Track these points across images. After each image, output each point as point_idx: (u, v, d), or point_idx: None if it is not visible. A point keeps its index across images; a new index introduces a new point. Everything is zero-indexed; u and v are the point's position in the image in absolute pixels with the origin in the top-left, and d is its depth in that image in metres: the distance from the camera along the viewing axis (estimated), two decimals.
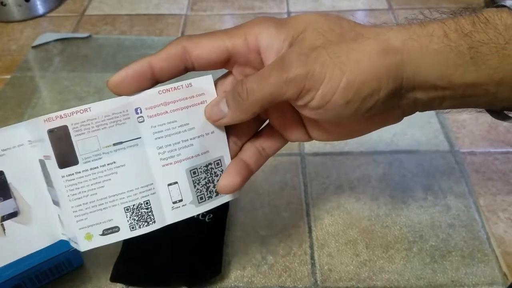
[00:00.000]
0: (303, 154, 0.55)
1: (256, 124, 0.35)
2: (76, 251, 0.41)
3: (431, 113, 0.59)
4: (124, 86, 0.31)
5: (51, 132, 0.30)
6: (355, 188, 0.50)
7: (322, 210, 0.48)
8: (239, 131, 0.34)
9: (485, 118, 0.58)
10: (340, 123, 0.32)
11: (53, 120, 0.30)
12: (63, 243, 0.35)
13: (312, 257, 0.44)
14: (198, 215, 0.45)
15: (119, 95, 0.31)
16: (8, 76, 0.68)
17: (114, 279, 0.42)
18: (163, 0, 0.86)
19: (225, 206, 0.47)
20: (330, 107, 0.29)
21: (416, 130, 0.57)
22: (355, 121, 0.31)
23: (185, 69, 0.31)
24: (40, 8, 0.82)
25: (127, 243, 0.44)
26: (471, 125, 0.58)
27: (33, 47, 0.74)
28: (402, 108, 0.31)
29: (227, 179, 0.33)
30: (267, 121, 0.36)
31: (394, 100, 0.30)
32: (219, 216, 0.46)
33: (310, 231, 0.46)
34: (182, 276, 0.41)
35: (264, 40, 0.30)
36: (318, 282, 0.42)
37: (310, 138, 0.35)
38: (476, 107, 0.32)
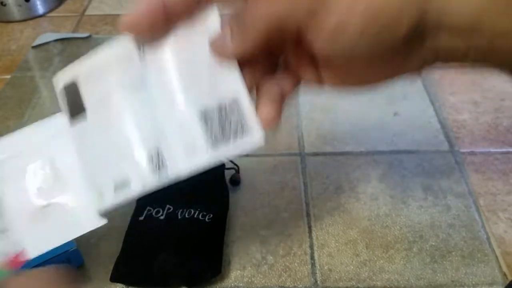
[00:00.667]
0: (303, 154, 0.55)
1: (270, 64, 0.32)
2: (76, 251, 0.41)
3: (431, 113, 0.59)
4: (138, 25, 0.29)
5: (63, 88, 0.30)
6: (355, 188, 0.51)
7: (322, 210, 0.48)
8: (254, 70, 0.31)
9: (485, 118, 0.58)
10: (353, 65, 0.29)
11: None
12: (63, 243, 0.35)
13: (312, 257, 0.44)
14: (198, 215, 0.45)
15: (132, 34, 0.29)
16: (8, 76, 0.68)
17: (114, 279, 0.42)
18: None
19: (225, 206, 0.47)
20: (345, 35, 0.26)
21: (416, 130, 0.57)
22: (369, 63, 0.28)
23: (198, 1, 0.29)
24: (40, 8, 0.82)
25: (127, 242, 0.44)
26: (471, 125, 0.58)
27: (33, 47, 0.74)
28: (423, 56, 0.28)
29: (266, 109, 0.30)
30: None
31: (415, 42, 0.27)
32: (219, 216, 0.46)
33: (310, 231, 0.46)
34: (182, 276, 0.41)
35: None
36: (318, 282, 0.42)
37: (321, 80, 0.32)
38: (501, 66, 0.28)
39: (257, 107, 0.30)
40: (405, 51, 0.27)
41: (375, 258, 0.44)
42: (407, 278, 0.42)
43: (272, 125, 0.30)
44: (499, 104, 0.60)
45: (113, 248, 0.44)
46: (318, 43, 0.28)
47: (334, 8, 0.25)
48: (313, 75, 0.32)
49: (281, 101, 0.31)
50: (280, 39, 0.29)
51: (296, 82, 0.33)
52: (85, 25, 0.80)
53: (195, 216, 0.45)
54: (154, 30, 0.29)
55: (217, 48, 0.29)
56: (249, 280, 0.42)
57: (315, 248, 0.45)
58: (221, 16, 0.29)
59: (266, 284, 0.42)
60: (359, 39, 0.26)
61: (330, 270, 0.43)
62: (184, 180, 0.30)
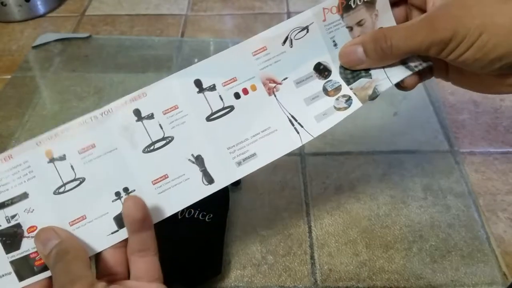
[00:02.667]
0: (303, 154, 0.55)
1: None
2: None
3: (431, 113, 0.59)
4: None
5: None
6: (355, 188, 0.51)
7: (322, 210, 0.48)
8: None
9: (485, 118, 0.59)
10: (473, 74, 0.34)
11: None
12: None
13: (312, 257, 0.44)
14: (198, 215, 0.45)
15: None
16: (9, 76, 0.68)
17: None
18: (163, 0, 0.86)
19: (225, 206, 0.47)
20: (461, 60, 0.32)
21: (416, 130, 0.57)
22: (490, 75, 0.33)
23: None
24: (41, 8, 0.82)
25: None
26: (471, 125, 0.58)
27: (34, 47, 0.74)
28: None
29: (411, 78, 0.35)
30: None
31: None
32: (219, 216, 0.46)
33: (310, 231, 0.46)
34: (182, 276, 0.42)
35: None
36: (318, 282, 0.42)
37: (449, 79, 0.37)
38: None
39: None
40: None
41: (375, 258, 0.44)
42: (407, 278, 0.42)
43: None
44: (498, 104, 0.60)
45: None
46: (450, 61, 0.33)
47: (459, 44, 0.31)
48: (442, 73, 0.37)
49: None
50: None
51: (428, 74, 0.38)
52: (85, 25, 0.80)
53: (195, 216, 0.45)
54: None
55: (350, 62, 0.35)
56: (249, 280, 0.42)
57: (315, 248, 0.45)
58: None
59: (266, 284, 0.42)
60: (472, 64, 0.31)
61: (330, 270, 0.43)
62: None
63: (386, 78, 0.36)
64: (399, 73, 0.36)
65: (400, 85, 0.36)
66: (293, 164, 0.53)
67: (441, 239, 0.45)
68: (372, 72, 0.36)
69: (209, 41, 0.75)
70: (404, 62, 0.36)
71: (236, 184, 0.50)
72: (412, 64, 0.36)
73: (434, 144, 0.55)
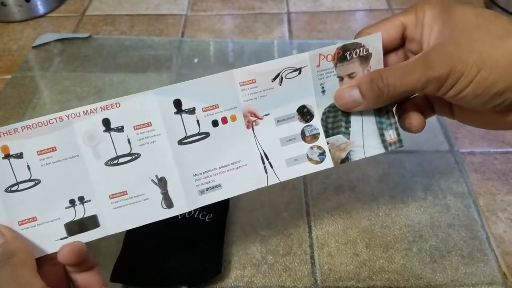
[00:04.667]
0: None
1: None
2: None
3: None
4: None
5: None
6: (355, 188, 0.51)
7: (322, 210, 0.48)
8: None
9: None
10: (479, 111, 0.34)
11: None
12: None
13: (312, 257, 0.44)
14: (198, 215, 0.45)
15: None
16: (9, 76, 0.68)
17: (114, 279, 0.42)
18: (163, 0, 0.86)
19: (225, 206, 0.47)
20: (461, 97, 0.31)
21: None
22: (491, 112, 0.33)
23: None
24: (41, 8, 0.82)
25: (127, 243, 0.44)
26: None
27: (34, 47, 0.74)
28: None
29: (417, 119, 0.36)
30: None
31: None
32: (219, 216, 0.46)
33: (310, 231, 0.46)
34: (182, 276, 0.42)
35: (428, 18, 0.33)
36: (318, 281, 0.42)
37: (453, 116, 0.38)
38: None
39: (404, 118, 0.36)
40: None
41: (375, 258, 0.44)
42: (406, 277, 0.42)
43: (419, 130, 0.37)
44: None
45: (113, 248, 0.44)
46: (446, 99, 0.33)
47: (457, 81, 0.30)
48: (446, 111, 0.37)
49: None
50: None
51: (431, 113, 0.38)
52: (86, 25, 0.80)
53: (195, 216, 0.45)
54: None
55: (347, 104, 0.35)
56: (249, 280, 0.42)
57: (315, 248, 0.45)
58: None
59: (266, 284, 0.42)
60: (472, 101, 0.31)
61: (330, 269, 0.43)
62: None
63: (362, 147, 0.36)
64: (374, 147, 0.37)
65: (407, 128, 0.37)
66: None
67: (441, 239, 0.45)
68: (351, 131, 0.36)
69: (209, 41, 0.75)
70: (382, 137, 0.37)
71: None
72: (387, 141, 0.37)
73: (434, 144, 0.55)
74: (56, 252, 0.31)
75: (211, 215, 0.46)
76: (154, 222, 0.46)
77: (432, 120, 0.58)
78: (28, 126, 0.31)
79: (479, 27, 0.31)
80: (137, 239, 0.44)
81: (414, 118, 0.36)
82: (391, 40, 0.35)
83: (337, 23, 0.79)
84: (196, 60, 0.71)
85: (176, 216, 0.45)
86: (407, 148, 0.55)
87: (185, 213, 0.45)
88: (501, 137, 0.56)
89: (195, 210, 0.46)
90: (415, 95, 0.38)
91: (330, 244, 0.45)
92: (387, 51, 0.36)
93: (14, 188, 0.31)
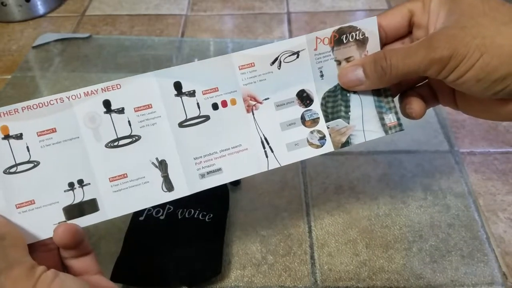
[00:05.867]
0: None
1: (417, 78, 0.38)
2: None
3: (431, 113, 0.59)
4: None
5: None
6: (355, 188, 0.51)
7: (322, 210, 0.48)
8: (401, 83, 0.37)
9: None
10: (480, 100, 0.34)
11: None
12: None
13: (312, 257, 0.44)
14: (198, 215, 0.45)
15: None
16: (9, 76, 0.68)
17: (114, 279, 0.42)
18: (163, 0, 0.86)
19: (225, 206, 0.47)
20: (462, 82, 0.31)
21: (416, 130, 0.57)
22: (493, 100, 0.33)
23: (380, 39, 0.35)
24: (41, 9, 0.82)
25: (127, 242, 0.44)
26: (471, 125, 0.58)
27: (34, 47, 0.74)
28: None
29: (418, 105, 0.37)
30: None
31: None
32: (219, 216, 0.46)
33: (310, 231, 0.46)
34: (182, 276, 0.42)
35: (434, 4, 0.34)
36: (318, 281, 0.42)
37: (457, 107, 0.38)
38: None
39: (405, 104, 0.37)
40: None
41: (375, 258, 0.44)
42: (406, 277, 0.42)
43: (420, 116, 0.37)
44: None
45: (113, 248, 0.44)
46: (448, 84, 0.33)
47: (459, 64, 0.31)
48: (450, 101, 0.38)
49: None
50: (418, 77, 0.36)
51: (435, 102, 0.38)
52: (86, 25, 0.80)
53: (195, 216, 0.45)
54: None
55: (349, 82, 0.35)
56: (249, 280, 0.42)
57: (315, 248, 0.45)
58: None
59: (266, 284, 0.42)
60: (474, 86, 0.31)
61: (330, 269, 0.43)
62: None
63: (362, 131, 0.36)
64: (374, 131, 0.37)
65: (408, 114, 0.37)
66: (293, 164, 0.53)
67: (441, 239, 0.45)
68: (351, 115, 0.36)
69: (209, 41, 0.75)
70: (382, 121, 0.37)
71: (236, 184, 0.50)
72: (387, 124, 0.37)
73: (434, 144, 0.55)
74: (50, 238, 0.31)
75: (211, 215, 0.46)
76: (154, 222, 0.46)
77: (432, 120, 0.58)
78: (29, 107, 0.31)
79: (485, 13, 0.31)
80: (137, 239, 0.44)
81: (415, 104, 0.37)
82: (399, 27, 0.36)
83: (337, 23, 0.79)
84: (196, 60, 0.71)
85: (176, 216, 0.46)
86: (407, 148, 0.55)
87: (185, 213, 0.46)
88: (501, 137, 0.56)
89: (195, 210, 0.46)
90: (419, 84, 0.38)
91: (330, 244, 0.45)
92: (394, 39, 0.36)
93: (12, 170, 0.31)
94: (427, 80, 0.38)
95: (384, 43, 0.36)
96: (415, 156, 0.54)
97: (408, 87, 0.38)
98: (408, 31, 0.36)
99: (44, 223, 0.32)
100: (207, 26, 0.79)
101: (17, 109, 0.31)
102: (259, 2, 0.85)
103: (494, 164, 0.53)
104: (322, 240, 0.46)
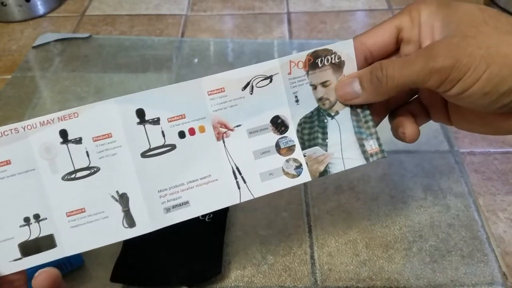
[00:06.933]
0: None
1: (403, 97, 0.36)
2: None
3: None
4: None
5: None
6: (355, 188, 0.51)
7: (322, 210, 0.48)
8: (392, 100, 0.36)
9: None
10: (480, 114, 0.32)
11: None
12: None
13: (312, 257, 0.44)
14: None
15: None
16: (9, 76, 0.68)
17: (114, 279, 0.42)
18: (163, 0, 0.86)
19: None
20: (467, 95, 0.29)
21: None
22: (495, 115, 0.31)
23: (365, 59, 0.34)
24: (41, 9, 0.82)
25: (127, 243, 0.44)
26: None
27: (34, 47, 0.74)
28: None
29: (411, 128, 0.35)
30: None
31: None
32: (219, 216, 0.46)
33: (310, 231, 0.46)
34: (182, 276, 0.42)
35: (424, 16, 0.32)
36: (318, 281, 0.42)
37: (450, 123, 0.36)
38: None
39: (397, 127, 0.35)
40: None
41: (375, 258, 0.44)
42: (406, 277, 0.42)
43: (413, 140, 0.35)
44: None
45: (113, 248, 0.44)
46: (443, 95, 0.31)
47: (463, 76, 0.28)
48: (442, 116, 0.36)
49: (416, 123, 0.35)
50: (413, 90, 0.34)
51: (427, 118, 0.37)
52: (86, 25, 0.80)
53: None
54: None
55: (345, 96, 0.34)
56: (249, 280, 0.42)
57: (315, 248, 0.45)
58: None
59: (266, 284, 0.42)
60: (480, 99, 0.29)
61: (330, 269, 0.43)
62: None
63: (341, 158, 0.34)
64: (354, 159, 0.34)
65: (400, 138, 0.35)
66: None
67: (441, 239, 0.45)
68: (329, 142, 0.34)
69: (209, 41, 0.75)
70: (362, 147, 0.35)
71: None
72: (368, 151, 0.35)
73: (434, 144, 0.55)
74: (11, 274, 0.30)
75: (211, 215, 0.46)
76: None
77: None
78: None
79: (485, 22, 0.29)
80: (137, 239, 0.44)
81: (408, 127, 0.35)
82: (385, 45, 0.34)
83: (337, 23, 0.79)
84: (196, 60, 0.71)
85: None
86: (407, 148, 0.55)
87: None
88: (501, 137, 0.56)
89: None
90: (409, 100, 0.37)
91: (330, 244, 0.45)
92: (381, 58, 0.34)
93: None
94: (416, 96, 0.37)
95: (369, 63, 0.34)
96: (415, 156, 0.54)
97: (397, 105, 0.36)
98: (395, 48, 0.34)
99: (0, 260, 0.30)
100: (207, 26, 0.79)
101: None
102: (259, 2, 0.85)
103: (494, 164, 0.53)
104: (322, 240, 0.46)
